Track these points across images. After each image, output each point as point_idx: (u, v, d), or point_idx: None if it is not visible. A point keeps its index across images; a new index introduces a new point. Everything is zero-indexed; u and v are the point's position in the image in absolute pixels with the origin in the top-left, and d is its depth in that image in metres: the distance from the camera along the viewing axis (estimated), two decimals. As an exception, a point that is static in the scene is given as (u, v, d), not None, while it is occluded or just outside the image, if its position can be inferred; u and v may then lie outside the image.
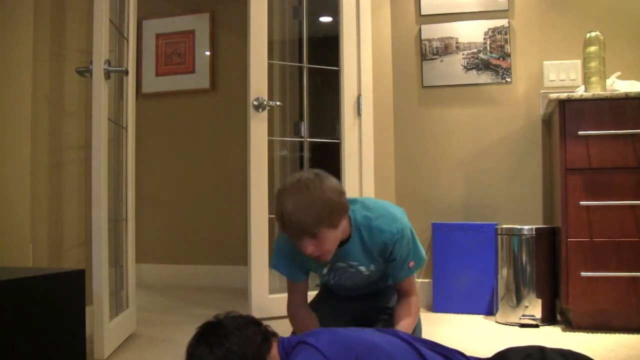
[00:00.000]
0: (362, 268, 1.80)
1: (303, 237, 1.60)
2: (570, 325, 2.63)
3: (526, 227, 2.78)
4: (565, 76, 3.16)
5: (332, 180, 1.66)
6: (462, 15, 3.32)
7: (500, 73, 3.26)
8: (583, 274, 2.50)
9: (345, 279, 1.87)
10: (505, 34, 3.25)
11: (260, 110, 2.99)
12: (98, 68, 2.19)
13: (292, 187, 1.61)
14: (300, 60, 3.27)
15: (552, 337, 2.51)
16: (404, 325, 1.74)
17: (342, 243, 1.74)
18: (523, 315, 2.72)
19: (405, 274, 1.80)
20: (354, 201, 1.78)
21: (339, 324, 1.69)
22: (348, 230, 1.74)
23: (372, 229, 1.73)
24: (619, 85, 2.76)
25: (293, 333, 1.82)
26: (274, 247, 1.90)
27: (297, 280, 1.86)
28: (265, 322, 1.50)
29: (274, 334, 1.48)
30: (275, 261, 1.86)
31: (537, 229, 2.76)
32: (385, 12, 3.39)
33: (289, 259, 1.82)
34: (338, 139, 3.21)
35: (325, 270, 1.85)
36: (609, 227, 2.51)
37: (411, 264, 1.78)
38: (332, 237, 1.64)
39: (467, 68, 3.31)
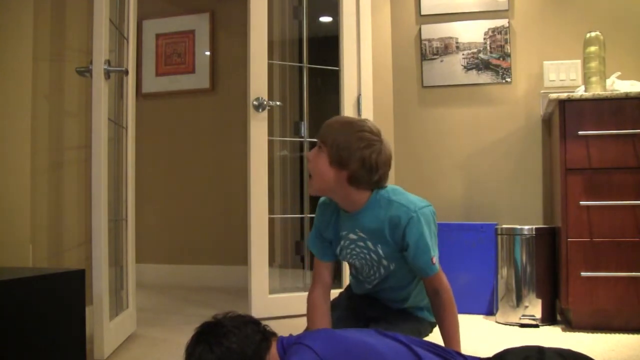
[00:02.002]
0: (370, 244, 1.76)
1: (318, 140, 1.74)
2: (570, 325, 2.63)
3: (526, 227, 2.78)
4: (565, 76, 3.16)
5: (376, 150, 1.69)
6: (462, 15, 3.32)
7: (500, 73, 3.26)
8: (583, 274, 2.50)
9: (355, 257, 1.83)
10: (505, 34, 3.25)
11: (260, 110, 2.99)
12: (98, 68, 2.19)
13: (353, 119, 1.80)
14: (300, 60, 3.27)
15: (552, 337, 2.51)
16: (454, 338, 1.72)
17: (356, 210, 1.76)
18: (523, 315, 2.72)
19: (431, 270, 1.71)
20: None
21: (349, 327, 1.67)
22: (363, 202, 1.74)
23: (391, 201, 1.73)
24: (619, 85, 2.76)
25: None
26: None
27: (323, 258, 1.87)
28: (265, 322, 1.50)
29: (273, 334, 1.48)
30: (309, 238, 1.91)
31: (537, 229, 2.76)
32: (385, 12, 3.39)
33: (319, 234, 1.87)
34: (338, 139, 3.20)
35: (341, 243, 1.83)
36: (609, 227, 2.50)
37: (434, 259, 1.70)
38: (320, 166, 1.70)
39: (467, 68, 3.31)
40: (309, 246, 1.92)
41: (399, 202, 1.72)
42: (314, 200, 1.82)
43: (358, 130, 1.69)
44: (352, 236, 1.80)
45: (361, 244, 1.79)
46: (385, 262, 1.78)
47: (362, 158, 1.67)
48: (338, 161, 1.68)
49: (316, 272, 1.89)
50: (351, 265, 1.91)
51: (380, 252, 1.76)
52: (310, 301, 1.83)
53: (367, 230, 1.76)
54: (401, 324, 1.84)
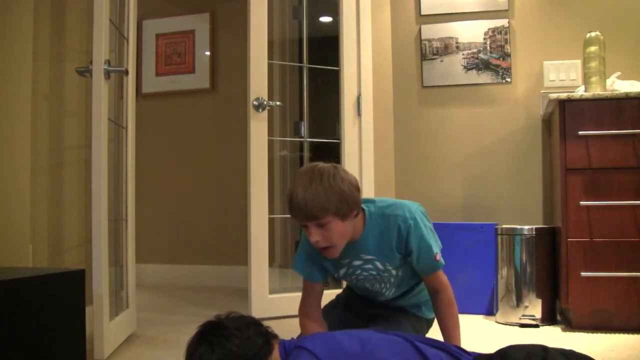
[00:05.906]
0: (378, 263, 1.76)
1: (309, 223, 1.59)
2: (570, 325, 2.63)
3: (526, 227, 2.78)
4: (565, 76, 3.16)
5: (348, 174, 1.66)
6: (462, 15, 3.32)
7: (500, 73, 3.26)
8: (583, 274, 2.50)
9: (364, 281, 1.82)
10: (505, 34, 3.25)
11: (260, 110, 2.99)
12: (98, 68, 2.19)
13: (307, 172, 1.62)
14: (300, 60, 3.27)
15: (552, 337, 2.51)
16: (455, 336, 1.72)
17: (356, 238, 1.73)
18: (523, 315, 2.72)
19: (437, 267, 1.73)
20: (369, 200, 1.79)
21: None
22: (361, 227, 1.72)
23: (386, 215, 1.72)
24: (619, 85, 2.76)
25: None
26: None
27: (312, 280, 1.82)
28: (265, 323, 1.49)
29: (275, 336, 1.47)
30: (296, 260, 1.85)
31: (537, 229, 2.76)
32: (385, 12, 3.39)
33: (308, 256, 1.80)
34: (338, 139, 3.21)
35: (342, 271, 1.80)
36: (609, 227, 2.50)
37: (438, 256, 1.72)
38: (339, 229, 1.61)
39: (467, 68, 3.31)
40: (295, 269, 1.85)
41: (393, 213, 1.72)
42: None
43: (327, 178, 1.59)
44: (356, 262, 1.78)
45: (369, 266, 1.77)
46: (394, 272, 1.79)
47: (355, 186, 1.64)
48: (347, 211, 1.61)
49: (306, 289, 1.85)
50: (357, 287, 1.88)
51: (390, 267, 1.77)
52: (301, 313, 1.82)
53: (373, 251, 1.75)
54: (400, 322, 1.86)
